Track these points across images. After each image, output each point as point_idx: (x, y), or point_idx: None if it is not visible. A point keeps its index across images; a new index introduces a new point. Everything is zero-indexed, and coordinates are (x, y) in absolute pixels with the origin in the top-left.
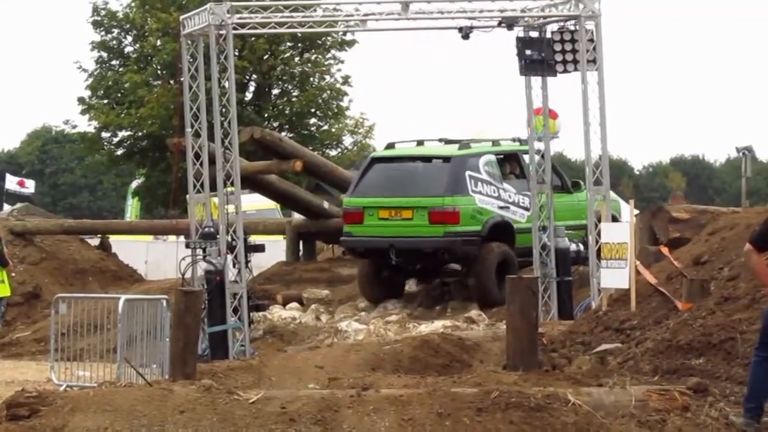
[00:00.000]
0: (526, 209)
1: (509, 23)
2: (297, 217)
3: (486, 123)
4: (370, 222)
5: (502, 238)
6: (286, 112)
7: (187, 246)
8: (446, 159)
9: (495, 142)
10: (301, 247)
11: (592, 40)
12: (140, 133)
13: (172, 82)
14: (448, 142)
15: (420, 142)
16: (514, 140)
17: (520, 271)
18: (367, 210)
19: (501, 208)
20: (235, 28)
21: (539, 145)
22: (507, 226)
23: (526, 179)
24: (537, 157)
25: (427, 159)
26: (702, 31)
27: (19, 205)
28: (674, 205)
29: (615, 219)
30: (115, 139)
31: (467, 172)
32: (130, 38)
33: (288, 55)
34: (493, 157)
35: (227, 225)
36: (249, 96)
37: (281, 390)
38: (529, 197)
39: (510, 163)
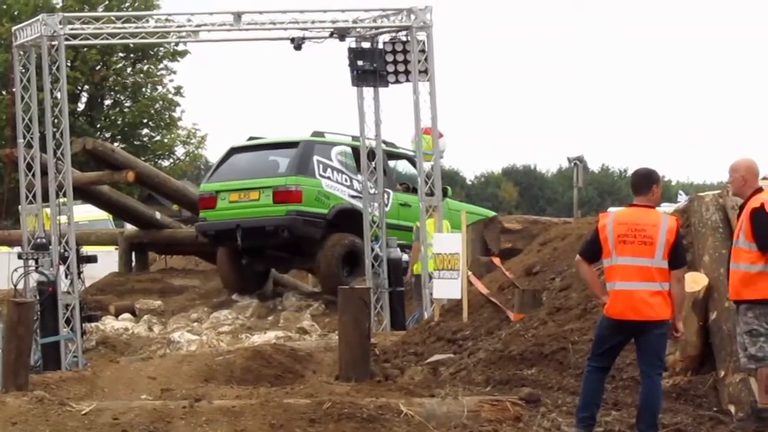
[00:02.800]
0: (384, 204)
1: (341, 34)
2: (129, 227)
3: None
4: (221, 206)
5: (354, 227)
6: (119, 122)
7: (20, 257)
8: (295, 144)
9: (355, 138)
10: (133, 258)
11: (423, 51)
12: None
13: (4, 92)
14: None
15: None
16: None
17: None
18: (220, 194)
19: (353, 197)
20: (67, 39)
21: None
22: (359, 215)
23: (386, 177)
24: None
25: (279, 146)
26: (532, 42)
27: None
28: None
29: None
30: None
31: (315, 157)
32: None
33: (120, 65)
34: (348, 149)
35: (59, 236)
36: (81, 106)
37: (114, 401)
38: (388, 194)
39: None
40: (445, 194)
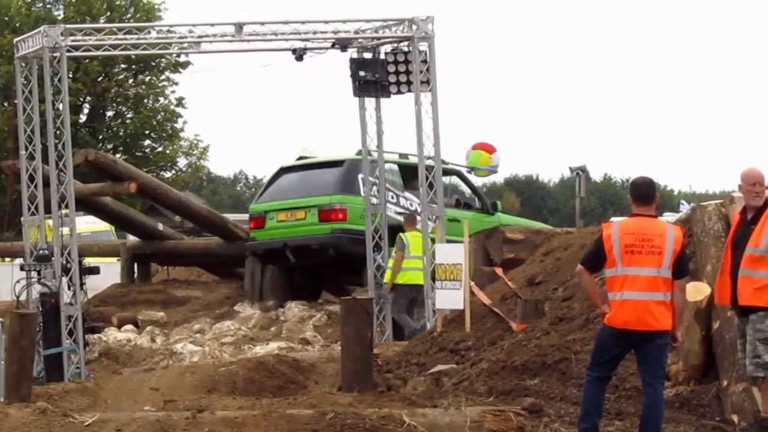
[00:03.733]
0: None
1: (343, 44)
2: (132, 239)
3: (311, 143)
4: (270, 225)
5: None
6: (121, 133)
7: (22, 268)
8: (341, 163)
9: (402, 155)
10: (135, 269)
11: (425, 62)
12: None
13: (6, 104)
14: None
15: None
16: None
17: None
18: (268, 214)
19: (399, 213)
20: (69, 51)
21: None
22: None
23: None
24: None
25: (325, 165)
26: (534, 52)
27: None
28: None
29: None
30: None
31: (360, 175)
32: None
33: (122, 77)
34: (394, 167)
35: (62, 247)
36: (83, 118)
37: (117, 413)
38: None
39: (417, 176)
40: (495, 208)
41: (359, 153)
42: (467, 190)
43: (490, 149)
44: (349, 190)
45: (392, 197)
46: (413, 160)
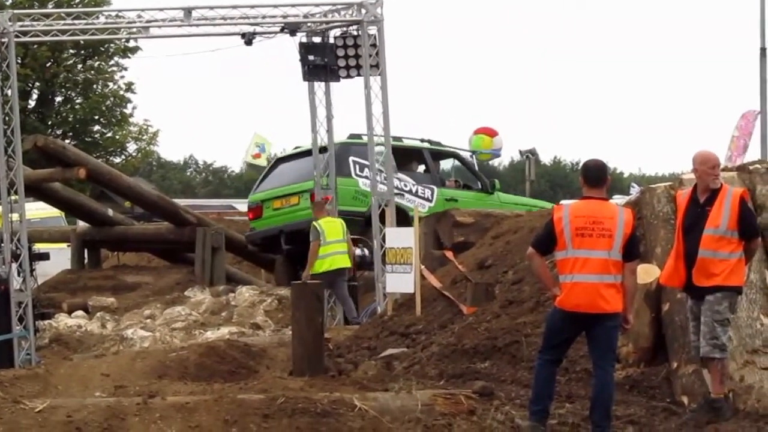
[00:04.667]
0: (428, 200)
1: (292, 29)
2: (82, 224)
3: (262, 128)
4: (267, 214)
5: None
6: (70, 119)
7: None
8: (323, 150)
9: (396, 138)
10: (86, 255)
11: (374, 45)
12: None
13: None
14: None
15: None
16: (422, 140)
17: None
18: (265, 203)
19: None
20: (17, 36)
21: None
22: (400, 212)
23: (430, 174)
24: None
25: (319, 151)
26: (482, 35)
27: None
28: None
29: None
30: None
31: (351, 158)
32: None
33: (71, 62)
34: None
35: (11, 233)
36: (32, 104)
37: (67, 399)
38: (432, 190)
39: (412, 158)
40: (493, 187)
41: (350, 137)
42: (467, 172)
43: (492, 133)
44: (339, 172)
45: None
46: (407, 143)
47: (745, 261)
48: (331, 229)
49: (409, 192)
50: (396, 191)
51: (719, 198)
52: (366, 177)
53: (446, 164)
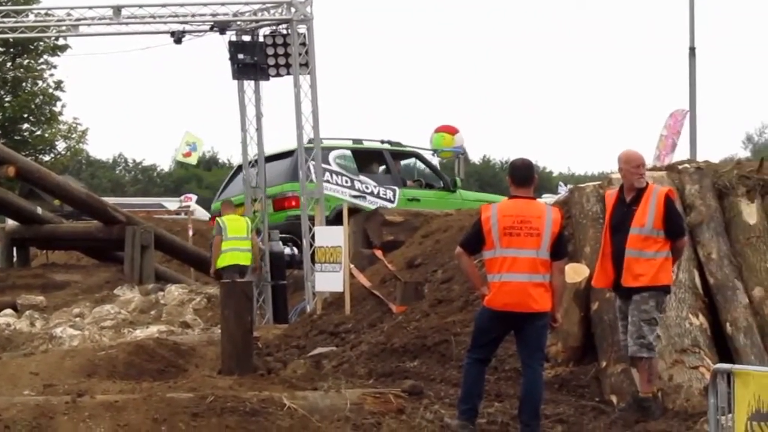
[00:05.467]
0: (390, 201)
1: (221, 27)
2: (10, 223)
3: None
4: None
5: None
6: None
7: None
8: (291, 153)
9: (356, 141)
10: (14, 254)
11: (304, 44)
12: None
13: None
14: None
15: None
16: (382, 141)
17: None
18: None
19: (355, 197)
20: None
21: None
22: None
23: (392, 175)
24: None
25: (279, 156)
26: (410, 32)
27: None
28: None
29: None
30: None
31: (311, 163)
32: None
33: (0, 60)
34: (348, 152)
35: None
36: None
37: None
38: (394, 191)
39: (373, 160)
40: (455, 185)
41: (311, 141)
42: (428, 171)
43: (452, 131)
44: (295, 178)
45: (347, 181)
46: (368, 145)
47: (673, 260)
48: (234, 226)
49: (371, 194)
50: (358, 194)
51: (645, 197)
52: (327, 181)
53: (407, 164)
